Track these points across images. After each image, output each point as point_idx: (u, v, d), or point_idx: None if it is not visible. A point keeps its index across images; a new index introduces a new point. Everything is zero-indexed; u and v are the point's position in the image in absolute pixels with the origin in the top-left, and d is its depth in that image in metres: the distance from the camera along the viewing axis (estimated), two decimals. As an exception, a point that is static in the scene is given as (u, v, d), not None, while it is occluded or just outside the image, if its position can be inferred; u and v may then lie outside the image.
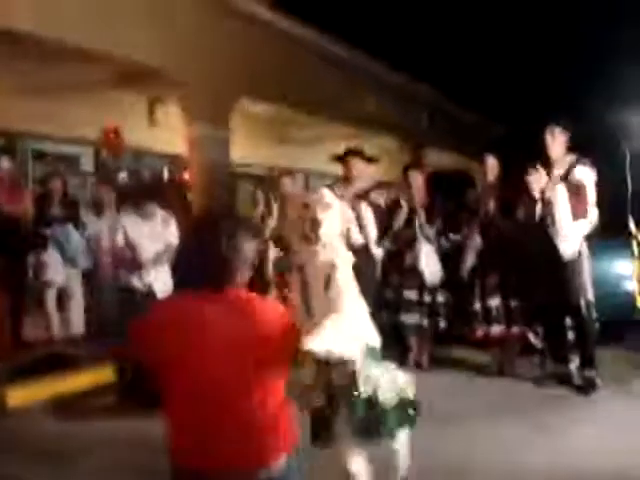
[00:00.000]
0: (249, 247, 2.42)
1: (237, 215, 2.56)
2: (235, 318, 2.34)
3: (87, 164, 10.88)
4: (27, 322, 7.79)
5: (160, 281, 6.23)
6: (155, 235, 6.45)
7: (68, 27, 7.47)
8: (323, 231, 3.64)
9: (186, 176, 9.85)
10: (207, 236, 2.40)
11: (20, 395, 6.11)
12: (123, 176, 10.53)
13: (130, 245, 6.42)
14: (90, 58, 8.21)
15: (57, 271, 7.78)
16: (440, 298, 7.09)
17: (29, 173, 10.25)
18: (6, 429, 5.48)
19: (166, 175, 11.57)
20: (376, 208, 7.39)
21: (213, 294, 2.38)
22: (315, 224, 3.65)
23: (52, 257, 7.70)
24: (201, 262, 2.39)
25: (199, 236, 2.45)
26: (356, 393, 3.49)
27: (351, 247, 4.53)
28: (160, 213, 6.61)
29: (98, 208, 7.89)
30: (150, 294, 6.21)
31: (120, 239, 6.47)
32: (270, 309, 2.44)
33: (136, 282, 6.35)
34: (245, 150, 11.22)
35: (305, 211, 3.71)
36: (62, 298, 7.94)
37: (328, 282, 3.64)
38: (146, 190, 7.03)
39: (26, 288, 7.83)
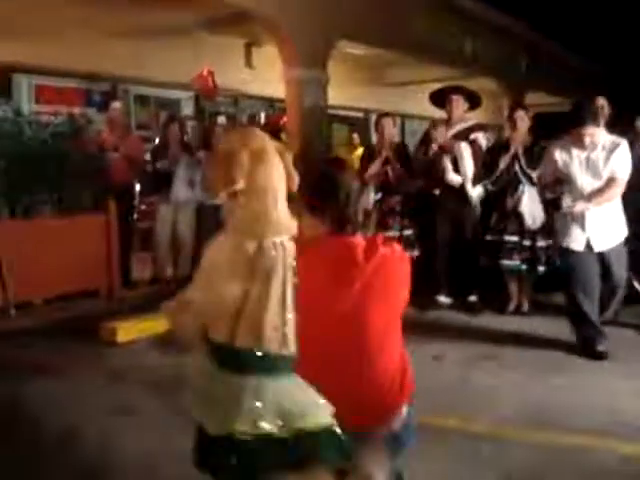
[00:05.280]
0: (362, 198, 2.46)
1: (343, 164, 2.54)
2: (359, 269, 2.29)
3: (187, 108, 11.06)
4: (135, 262, 8.09)
5: None
6: None
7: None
8: None
9: (283, 119, 9.90)
10: (325, 190, 2.41)
11: (129, 329, 6.26)
12: (222, 120, 10.68)
13: None
14: (187, 1, 8.27)
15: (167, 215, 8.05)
16: (541, 242, 6.94)
17: (132, 117, 10.52)
18: (118, 362, 5.64)
19: (263, 119, 11.65)
20: (476, 149, 7.26)
21: (336, 243, 2.36)
22: None
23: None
24: (318, 214, 2.40)
25: (317, 189, 2.43)
26: None
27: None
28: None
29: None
30: None
31: None
32: (395, 257, 2.37)
33: None
34: (340, 92, 11.15)
35: None
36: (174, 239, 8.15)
37: None
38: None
39: (134, 229, 8.13)
